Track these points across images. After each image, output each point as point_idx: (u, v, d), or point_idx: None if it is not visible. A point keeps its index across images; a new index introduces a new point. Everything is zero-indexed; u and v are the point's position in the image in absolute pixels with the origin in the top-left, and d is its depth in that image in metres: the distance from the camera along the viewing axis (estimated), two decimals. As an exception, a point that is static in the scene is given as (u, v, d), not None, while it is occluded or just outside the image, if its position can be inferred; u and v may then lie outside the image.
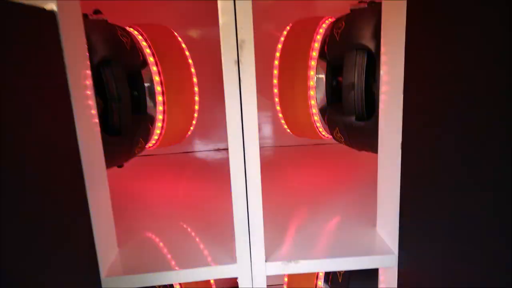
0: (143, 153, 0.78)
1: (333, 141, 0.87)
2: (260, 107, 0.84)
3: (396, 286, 0.40)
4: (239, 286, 0.41)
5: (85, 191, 0.38)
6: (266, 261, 0.40)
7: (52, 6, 0.34)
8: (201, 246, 0.44)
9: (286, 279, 0.62)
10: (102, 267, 0.39)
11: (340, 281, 0.56)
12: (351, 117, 0.51)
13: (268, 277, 0.41)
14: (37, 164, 0.30)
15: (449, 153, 0.30)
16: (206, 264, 0.40)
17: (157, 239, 0.47)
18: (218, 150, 0.86)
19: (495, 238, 0.25)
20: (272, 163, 0.77)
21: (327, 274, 0.58)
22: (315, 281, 0.59)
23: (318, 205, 0.54)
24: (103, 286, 0.38)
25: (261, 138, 0.85)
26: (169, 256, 0.43)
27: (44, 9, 0.34)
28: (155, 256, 0.43)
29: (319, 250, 0.42)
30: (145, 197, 0.61)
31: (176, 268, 0.40)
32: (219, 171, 0.73)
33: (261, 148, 0.86)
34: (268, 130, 0.87)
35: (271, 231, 0.46)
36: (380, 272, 0.46)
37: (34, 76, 0.32)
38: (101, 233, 0.40)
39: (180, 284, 0.54)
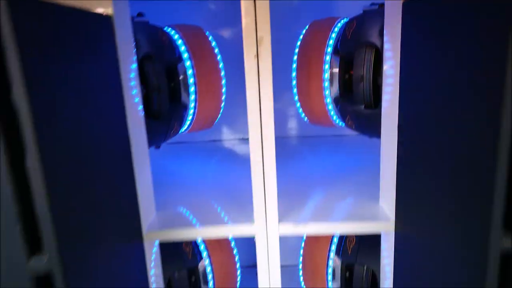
0: (176, 140, 0.87)
1: (352, 133, 0.93)
2: (285, 103, 0.90)
3: (393, 249, 0.47)
4: (256, 245, 0.48)
5: (132, 165, 0.47)
6: (279, 222, 0.47)
7: (108, 11, 0.43)
8: (225, 212, 0.52)
9: (301, 252, 0.69)
10: (143, 223, 0.48)
11: (349, 254, 0.63)
12: (361, 106, 0.57)
13: (285, 256, 0.48)
14: (101, 142, 0.39)
15: (432, 138, 0.36)
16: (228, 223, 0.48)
17: (186, 206, 0.56)
18: (243, 139, 0.94)
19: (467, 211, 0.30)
20: (294, 150, 0.84)
21: (338, 248, 0.65)
22: (327, 253, 0.65)
23: (330, 183, 0.61)
24: (144, 237, 0.48)
25: (287, 129, 0.93)
26: (196, 217, 0.51)
27: (102, 14, 0.42)
28: (184, 218, 0.52)
29: (326, 216, 0.49)
30: (178, 175, 0.70)
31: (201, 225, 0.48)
32: (243, 157, 0.81)
33: (285, 137, 0.93)
34: (294, 122, 0.94)
35: (286, 200, 0.53)
36: (382, 238, 0.52)
37: (95, 70, 0.40)
38: (143, 198, 0.49)
39: (206, 248, 0.62)
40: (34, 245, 0.28)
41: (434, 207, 0.36)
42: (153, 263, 0.53)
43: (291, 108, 0.91)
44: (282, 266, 0.51)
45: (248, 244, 0.66)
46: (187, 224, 0.49)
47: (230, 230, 0.47)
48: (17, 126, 0.26)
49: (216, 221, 0.49)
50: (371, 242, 0.60)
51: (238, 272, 0.70)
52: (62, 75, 0.31)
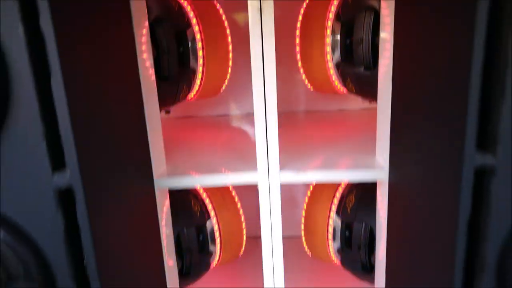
0: (184, 114, 0.91)
1: (356, 107, 0.94)
2: (293, 83, 0.92)
3: (387, 197, 0.50)
4: (259, 192, 0.51)
5: (145, 123, 0.50)
6: (280, 170, 0.50)
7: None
8: (230, 165, 0.56)
9: (304, 213, 0.73)
10: (155, 173, 0.52)
11: (349, 212, 0.66)
12: (360, 68, 0.60)
13: (287, 225, 0.52)
14: (118, 92, 0.42)
15: (420, 97, 0.38)
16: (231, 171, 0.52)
17: (193, 160, 0.60)
18: (249, 113, 0.97)
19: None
20: (297, 120, 0.87)
21: (338, 208, 0.68)
22: (328, 213, 0.68)
23: (331, 143, 0.65)
24: (155, 184, 0.52)
25: (295, 105, 0.95)
26: (203, 168, 0.55)
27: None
28: (192, 168, 0.56)
29: (325, 166, 0.52)
30: (186, 140, 0.74)
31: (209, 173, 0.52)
32: (250, 130, 0.84)
33: (293, 112, 0.96)
34: (302, 98, 0.96)
35: (287, 154, 0.56)
36: (377, 187, 0.55)
37: (113, 35, 0.42)
38: (155, 152, 0.53)
39: (214, 208, 0.66)
40: (57, 163, 0.32)
41: (419, 153, 0.39)
42: (164, 221, 0.56)
43: (296, 90, 0.94)
44: (286, 237, 0.54)
45: (251, 215, 0.69)
46: (195, 173, 0.53)
47: (235, 178, 0.51)
48: (44, 52, 0.29)
49: (222, 170, 0.53)
50: (369, 202, 0.63)
51: (244, 232, 0.74)
52: (83, 17, 0.35)
